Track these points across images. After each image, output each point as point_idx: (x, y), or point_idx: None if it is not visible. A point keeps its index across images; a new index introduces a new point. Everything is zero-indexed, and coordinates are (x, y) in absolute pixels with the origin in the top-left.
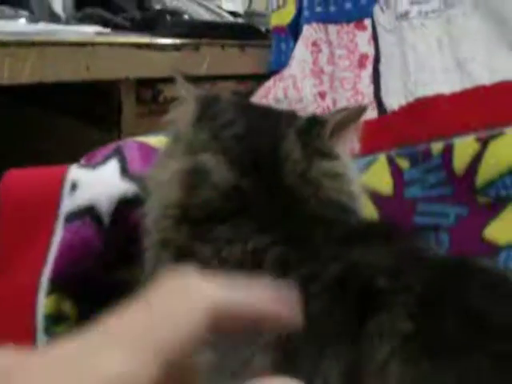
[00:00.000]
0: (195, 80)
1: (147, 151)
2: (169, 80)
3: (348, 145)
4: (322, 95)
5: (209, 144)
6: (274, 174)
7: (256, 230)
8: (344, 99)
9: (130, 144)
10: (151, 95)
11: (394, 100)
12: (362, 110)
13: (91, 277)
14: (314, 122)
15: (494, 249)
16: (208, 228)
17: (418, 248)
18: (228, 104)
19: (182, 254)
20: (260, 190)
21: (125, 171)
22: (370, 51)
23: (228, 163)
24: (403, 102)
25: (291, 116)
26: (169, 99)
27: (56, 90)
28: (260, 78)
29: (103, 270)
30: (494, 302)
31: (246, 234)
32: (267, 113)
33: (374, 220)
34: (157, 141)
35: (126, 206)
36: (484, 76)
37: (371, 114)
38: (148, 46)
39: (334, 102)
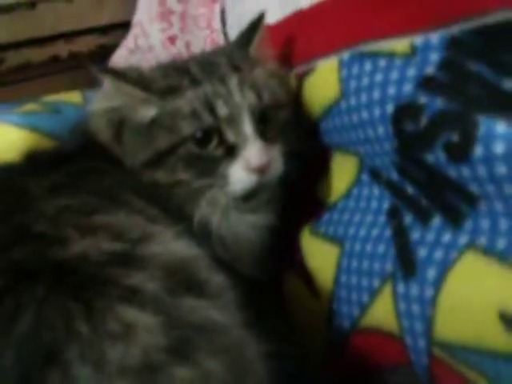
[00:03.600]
0: (40, 42)
1: None
2: (9, 46)
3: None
4: (172, 40)
5: None
6: None
7: None
8: (201, 40)
9: None
10: None
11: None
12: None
13: None
14: None
15: None
16: None
17: None
18: None
19: None
20: None
21: None
22: None
23: None
24: None
25: None
26: (14, 68)
27: None
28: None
29: None
30: None
31: None
32: None
33: None
34: None
35: None
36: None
37: None
38: None
39: (188, 45)
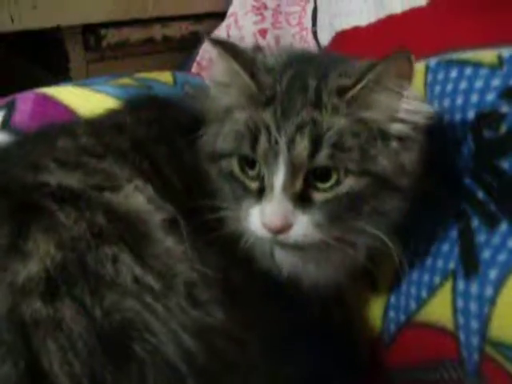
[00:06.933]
0: (139, 23)
1: (43, 103)
2: (111, 24)
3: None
4: (263, 33)
5: None
6: None
7: None
8: (289, 36)
9: (28, 96)
10: (94, 41)
11: (324, 35)
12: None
13: None
14: None
15: None
16: None
17: None
18: None
19: None
20: None
21: (6, 124)
22: None
23: None
24: (329, 37)
25: None
26: (113, 45)
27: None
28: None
29: None
30: None
31: None
32: None
33: None
34: (62, 91)
35: None
36: (397, 6)
37: None
38: None
39: (277, 39)
